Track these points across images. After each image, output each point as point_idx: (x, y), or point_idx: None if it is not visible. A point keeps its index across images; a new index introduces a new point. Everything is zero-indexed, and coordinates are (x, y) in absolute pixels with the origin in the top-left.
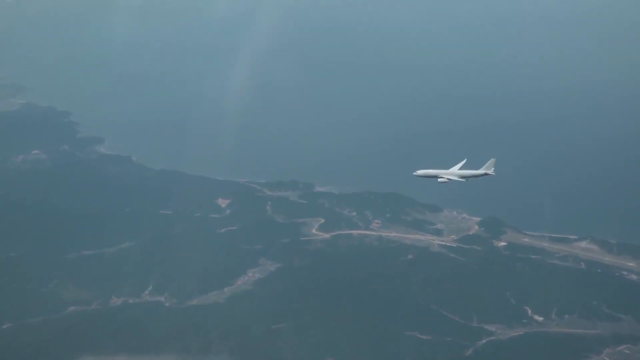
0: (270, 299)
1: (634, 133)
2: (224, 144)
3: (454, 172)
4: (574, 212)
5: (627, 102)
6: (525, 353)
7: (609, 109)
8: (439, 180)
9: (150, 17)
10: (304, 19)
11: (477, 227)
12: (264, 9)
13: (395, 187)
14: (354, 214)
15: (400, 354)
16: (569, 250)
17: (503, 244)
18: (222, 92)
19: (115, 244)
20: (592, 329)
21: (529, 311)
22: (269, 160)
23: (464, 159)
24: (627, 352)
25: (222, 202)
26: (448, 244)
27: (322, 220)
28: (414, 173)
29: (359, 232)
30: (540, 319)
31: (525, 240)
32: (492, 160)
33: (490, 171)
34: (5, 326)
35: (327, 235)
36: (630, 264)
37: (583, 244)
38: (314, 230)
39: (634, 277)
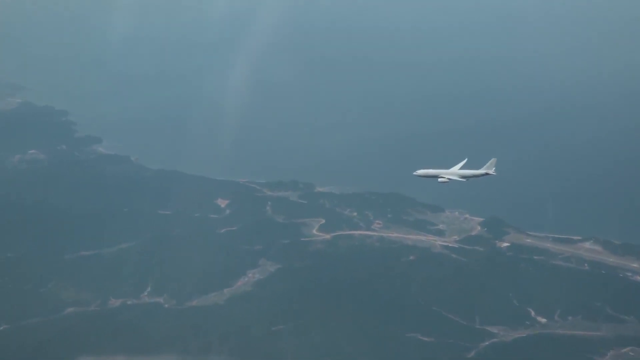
0: (270, 300)
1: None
2: (224, 143)
3: (455, 171)
4: (577, 213)
5: (632, 100)
6: (528, 355)
7: (613, 107)
8: (439, 180)
9: (148, 15)
10: (304, 17)
11: (479, 227)
12: (263, 6)
13: (396, 187)
14: (355, 214)
15: (402, 355)
16: (572, 251)
17: (506, 244)
18: (221, 91)
19: (114, 245)
20: (595, 330)
21: (532, 313)
22: (269, 160)
23: (464, 159)
24: (632, 354)
25: (222, 202)
26: (450, 245)
27: (323, 221)
28: (414, 173)
29: (360, 232)
30: (544, 320)
31: (528, 240)
32: (493, 160)
33: (491, 171)
34: (2, 327)
35: (327, 236)
36: (635, 265)
37: (587, 244)
38: (314, 231)
39: (638, 278)
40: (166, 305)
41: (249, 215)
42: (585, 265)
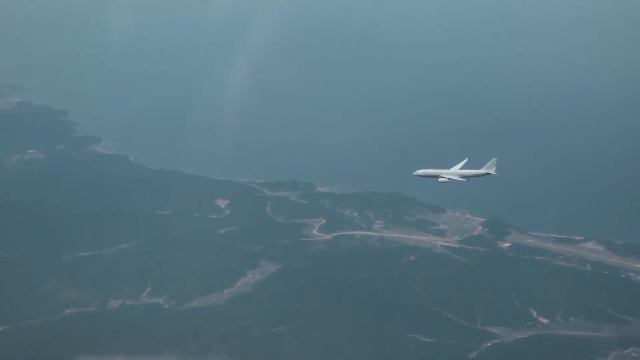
0: (270, 301)
1: None
2: (223, 143)
3: (455, 171)
4: (579, 213)
5: (633, 100)
6: (530, 356)
7: (615, 106)
8: (440, 180)
9: (148, 14)
10: (304, 17)
11: (480, 227)
12: (263, 6)
13: (397, 187)
14: (356, 214)
15: (402, 356)
16: (574, 251)
17: (507, 244)
18: (221, 91)
19: (113, 245)
20: (598, 331)
21: (534, 313)
22: (269, 160)
23: (465, 158)
24: (634, 355)
25: (222, 203)
26: (451, 245)
27: (323, 221)
28: (414, 173)
29: (360, 233)
30: (546, 321)
31: (530, 241)
32: (493, 160)
33: (492, 171)
34: (1, 328)
35: (328, 236)
36: (637, 266)
37: (589, 244)
38: (314, 231)
39: None
40: (166, 306)
41: (249, 215)
42: (588, 265)
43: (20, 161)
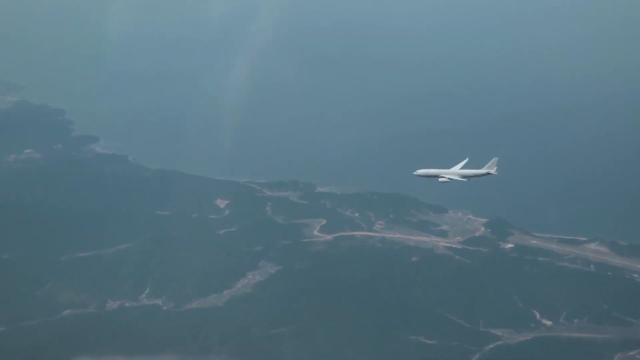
0: (271, 302)
1: None
2: (223, 143)
3: (456, 171)
4: (582, 213)
5: (633, 99)
6: (533, 358)
7: (617, 105)
8: (440, 180)
9: (148, 13)
10: (304, 17)
11: (483, 228)
12: (263, 6)
13: (398, 187)
14: (357, 214)
15: (404, 358)
16: (578, 252)
17: (510, 245)
18: (221, 90)
19: (112, 246)
20: (602, 333)
21: (537, 315)
22: (269, 160)
23: (466, 158)
24: (639, 357)
25: (221, 203)
26: (453, 246)
27: (324, 222)
28: (414, 173)
29: (361, 233)
30: (549, 323)
31: (532, 242)
32: (494, 160)
33: (493, 170)
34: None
35: (328, 237)
36: None
37: (592, 245)
38: (315, 232)
39: None
40: (165, 308)
41: (249, 215)
42: (591, 266)
43: (17, 161)
